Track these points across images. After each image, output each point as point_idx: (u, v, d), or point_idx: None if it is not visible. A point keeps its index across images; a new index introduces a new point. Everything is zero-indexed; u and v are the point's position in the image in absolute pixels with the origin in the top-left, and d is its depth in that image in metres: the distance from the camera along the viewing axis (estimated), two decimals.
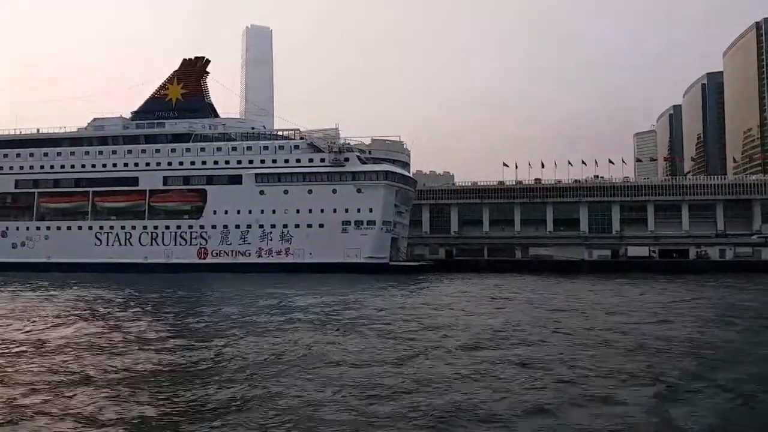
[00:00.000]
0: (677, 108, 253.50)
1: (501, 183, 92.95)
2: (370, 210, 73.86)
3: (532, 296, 40.43)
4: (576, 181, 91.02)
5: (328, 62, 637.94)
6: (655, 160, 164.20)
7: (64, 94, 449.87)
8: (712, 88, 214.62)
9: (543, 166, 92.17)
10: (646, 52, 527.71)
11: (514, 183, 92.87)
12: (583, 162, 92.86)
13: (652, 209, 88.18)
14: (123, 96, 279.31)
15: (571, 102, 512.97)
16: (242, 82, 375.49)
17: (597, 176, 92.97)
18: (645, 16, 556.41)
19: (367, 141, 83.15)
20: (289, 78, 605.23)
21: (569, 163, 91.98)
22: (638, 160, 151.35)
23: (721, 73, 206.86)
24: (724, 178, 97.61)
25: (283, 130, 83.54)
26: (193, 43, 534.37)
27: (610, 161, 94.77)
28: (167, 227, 77.57)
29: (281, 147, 77.53)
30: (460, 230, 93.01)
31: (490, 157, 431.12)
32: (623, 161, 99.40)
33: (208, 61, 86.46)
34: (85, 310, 31.59)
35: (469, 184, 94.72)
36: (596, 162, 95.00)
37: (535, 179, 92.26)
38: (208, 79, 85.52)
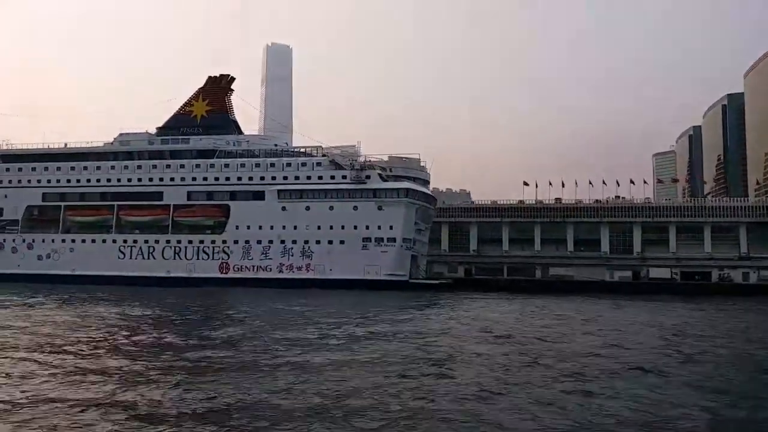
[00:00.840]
0: (697, 129, 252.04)
1: (521, 202, 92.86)
2: (391, 227, 74.23)
3: (620, 319, 39.36)
4: (597, 201, 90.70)
5: (345, 79, 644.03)
6: (677, 180, 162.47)
7: (92, 109, 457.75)
8: (733, 108, 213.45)
9: (563, 185, 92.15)
10: (665, 73, 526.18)
11: (534, 202, 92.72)
12: (604, 182, 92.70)
13: (674, 231, 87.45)
14: (147, 112, 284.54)
15: (589, 121, 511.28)
16: (262, 99, 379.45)
17: (618, 197, 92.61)
18: (665, 36, 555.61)
19: (385, 158, 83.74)
20: (307, 95, 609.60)
21: (590, 183, 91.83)
22: (659, 181, 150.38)
23: (742, 94, 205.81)
24: (747, 200, 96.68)
25: (304, 147, 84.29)
26: (214, 60, 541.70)
27: (632, 181, 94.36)
28: (190, 242, 78.48)
29: (303, 164, 78.41)
30: (479, 249, 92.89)
31: (507, 175, 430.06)
32: (645, 182, 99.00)
33: (233, 79, 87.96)
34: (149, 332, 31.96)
35: (489, 202, 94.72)
36: (617, 182, 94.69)
37: (556, 199, 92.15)
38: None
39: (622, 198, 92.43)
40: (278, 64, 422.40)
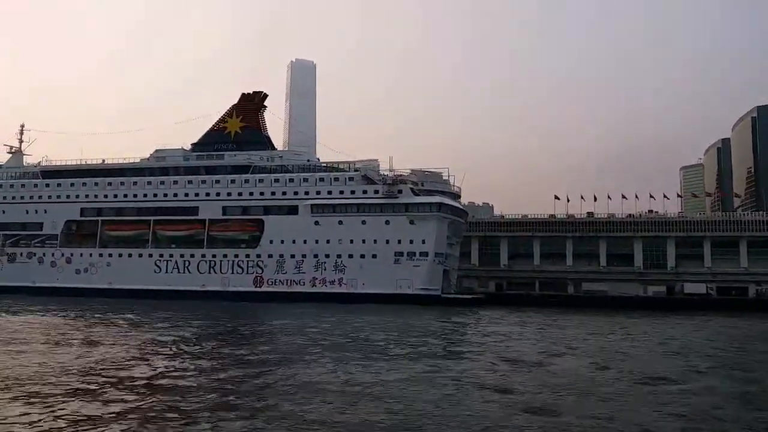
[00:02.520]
0: (726, 141, 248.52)
1: (552, 216, 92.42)
2: (423, 242, 74.39)
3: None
4: (630, 215, 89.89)
5: (366, 92, 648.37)
6: (711, 195, 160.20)
7: (125, 126, 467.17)
8: (763, 120, 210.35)
9: (596, 199, 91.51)
10: (694, 84, 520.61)
11: (565, 216, 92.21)
12: (636, 196, 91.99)
13: (708, 245, 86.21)
14: (177, 129, 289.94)
15: (615, 133, 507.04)
16: (286, 114, 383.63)
17: (651, 211, 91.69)
18: (692, 48, 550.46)
19: (408, 171, 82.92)
20: (328, 108, 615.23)
21: (623, 197, 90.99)
22: (694, 196, 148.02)
23: None
24: None
25: (336, 163, 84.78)
26: (240, 77, 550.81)
27: (665, 196, 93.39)
28: (225, 256, 79.47)
29: (336, 179, 79.13)
30: (509, 263, 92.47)
31: (532, 188, 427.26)
32: (678, 195, 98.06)
33: (265, 96, 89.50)
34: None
35: (519, 216, 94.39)
36: (651, 196, 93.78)
37: (588, 213, 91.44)
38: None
39: (656, 212, 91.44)
40: (302, 79, 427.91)
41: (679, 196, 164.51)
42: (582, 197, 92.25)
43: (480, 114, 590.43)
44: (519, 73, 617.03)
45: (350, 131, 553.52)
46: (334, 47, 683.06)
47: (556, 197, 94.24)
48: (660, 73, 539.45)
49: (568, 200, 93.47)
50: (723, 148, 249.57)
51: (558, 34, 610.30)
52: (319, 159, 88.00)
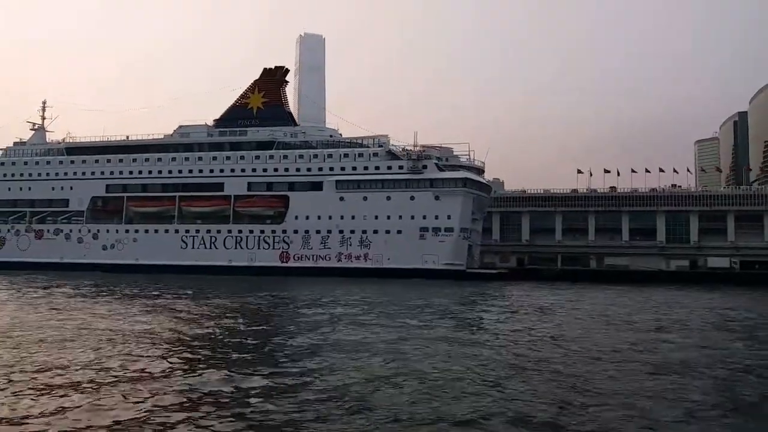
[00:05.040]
0: (743, 114, 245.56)
1: (574, 191, 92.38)
2: (448, 217, 74.72)
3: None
4: (652, 189, 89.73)
5: (376, 65, 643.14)
6: (721, 171, 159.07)
7: (144, 102, 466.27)
8: None
9: (618, 174, 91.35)
10: (709, 58, 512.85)
11: (587, 190, 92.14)
12: (661, 170, 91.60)
13: (732, 219, 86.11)
14: (196, 103, 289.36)
15: (628, 107, 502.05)
16: (295, 89, 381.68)
17: (674, 185, 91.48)
18: (707, 22, 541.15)
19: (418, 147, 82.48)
20: (337, 80, 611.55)
21: (646, 170, 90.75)
22: (718, 170, 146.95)
23: None
24: None
25: (359, 138, 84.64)
26: (253, 51, 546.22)
27: (689, 170, 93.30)
28: (251, 231, 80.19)
29: (360, 154, 79.29)
30: (531, 238, 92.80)
31: (545, 161, 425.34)
32: (689, 171, 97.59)
33: (287, 71, 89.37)
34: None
35: (541, 191, 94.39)
36: (675, 170, 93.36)
37: (610, 187, 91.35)
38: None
39: (678, 187, 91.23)
40: (311, 53, 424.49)
41: (718, 170, 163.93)
42: (606, 171, 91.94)
43: (494, 86, 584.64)
44: (535, 39, 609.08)
45: (360, 104, 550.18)
46: (341, 19, 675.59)
47: (579, 171, 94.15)
48: (675, 45, 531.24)
49: (591, 174, 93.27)
50: (740, 122, 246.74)
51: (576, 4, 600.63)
52: (341, 134, 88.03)
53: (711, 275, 78.29)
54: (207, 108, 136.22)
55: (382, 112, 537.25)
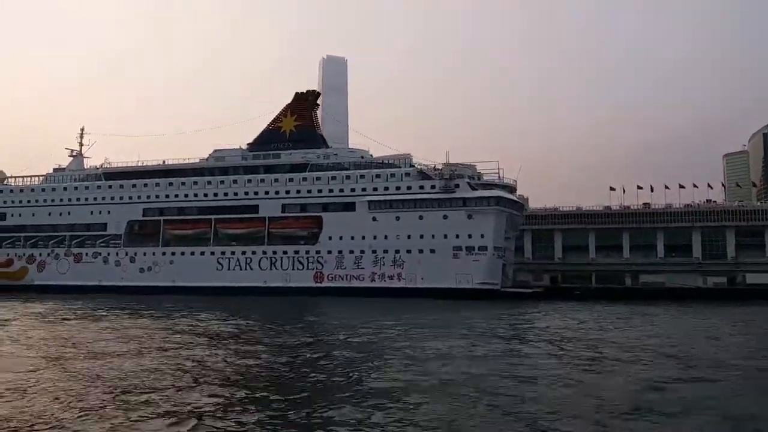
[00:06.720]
0: None
1: (607, 208, 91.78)
2: (482, 236, 74.63)
3: None
4: (687, 205, 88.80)
5: (402, 91, 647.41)
6: (756, 186, 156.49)
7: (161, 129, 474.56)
8: None
9: (652, 189, 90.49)
10: (736, 69, 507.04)
11: (620, 207, 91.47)
12: (695, 185, 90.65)
13: None
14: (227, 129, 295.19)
15: (655, 120, 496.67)
16: (320, 110, 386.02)
17: (710, 200, 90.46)
18: (737, 33, 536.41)
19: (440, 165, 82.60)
20: (359, 104, 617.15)
21: (680, 186, 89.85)
22: (753, 184, 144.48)
23: None
24: None
25: (388, 157, 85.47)
26: (276, 74, 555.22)
27: (723, 185, 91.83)
28: (285, 252, 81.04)
29: (392, 175, 79.93)
30: (563, 256, 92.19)
31: (571, 179, 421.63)
32: (723, 185, 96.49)
33: (318, 94, 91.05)
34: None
35: (574, 208, 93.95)
36: (709, 185, 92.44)
37: (644, 204, 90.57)
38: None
39: (713, 201, 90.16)
40: (334, 75, 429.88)
41: (754, 185, 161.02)
42: (639, 187, 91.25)
43: (520, 103, 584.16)
44: (565, 62, 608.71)
45: (382, 130, 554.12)
46: (365, 43, 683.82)
47: (612, 188, 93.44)
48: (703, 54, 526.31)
49: (624, 191, 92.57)
50: None
51: (606, 19, 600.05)
52: (372, 155, 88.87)
53: (752, 292, 76.95)
54: (233, 134, 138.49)
55: (402, 131, 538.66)
